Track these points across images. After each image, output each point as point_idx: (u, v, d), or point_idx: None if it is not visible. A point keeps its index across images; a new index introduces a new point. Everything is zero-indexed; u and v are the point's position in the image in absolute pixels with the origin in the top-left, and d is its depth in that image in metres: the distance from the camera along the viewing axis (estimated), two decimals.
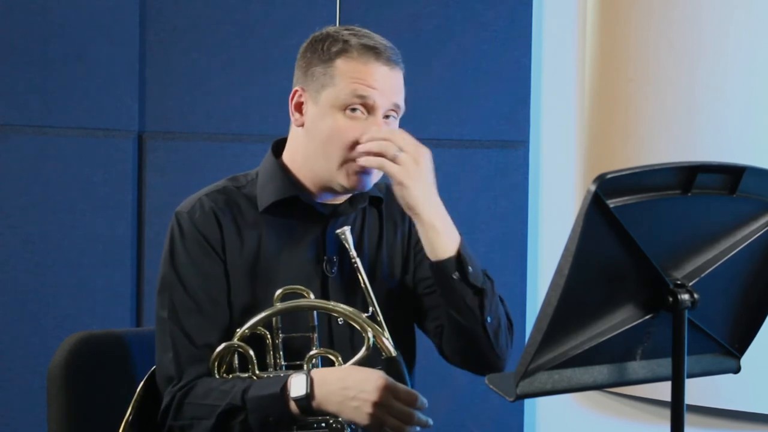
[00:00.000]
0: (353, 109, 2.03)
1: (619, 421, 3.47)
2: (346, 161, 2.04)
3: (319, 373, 1.94)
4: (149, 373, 2.08)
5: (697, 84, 3.17)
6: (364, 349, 1.98)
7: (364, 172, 2.04)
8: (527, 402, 3.47)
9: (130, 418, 2.04)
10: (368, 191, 2.14)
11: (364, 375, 1.92)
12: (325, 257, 2.09)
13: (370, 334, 1.98)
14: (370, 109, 2.04)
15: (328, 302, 2.02)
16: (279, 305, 2.00)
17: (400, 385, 1.91)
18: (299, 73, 2.12)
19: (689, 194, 1.55)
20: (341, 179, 2.05)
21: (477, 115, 3.45)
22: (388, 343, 1.98)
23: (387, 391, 1.89)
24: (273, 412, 1.93)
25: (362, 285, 2.02)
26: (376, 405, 1.89)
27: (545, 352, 1.55)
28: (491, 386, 1.62)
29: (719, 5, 3.15)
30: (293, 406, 1.92)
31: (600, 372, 1.62)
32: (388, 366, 1.99)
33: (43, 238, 3.33)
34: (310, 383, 1.91)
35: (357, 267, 2.02)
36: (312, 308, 2.01)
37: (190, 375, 2.01)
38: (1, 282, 3.32)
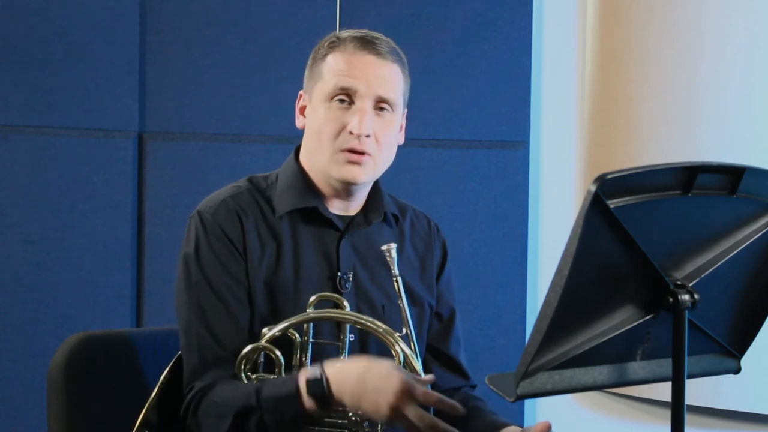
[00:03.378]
0: (340, 100, 2.04)
1: (619, 422, 3.47)
2: (335, 152, 2.04)
3: (335, 372, 1.88)
4: (175, 358, 2.07)
5: (698, 84, 3.17)
6: None
7: (353, 162, 2.04)
8: (527, 402, 3.47)
9: (154, 400, 2.03)
10: (384, 206, 2.15)
11: (382, 373, 1.86)
12: (339, 273, 2.09)
13: (401, 355, 1.95)
14: (353, 96, 2.04)
15: (362, 316, 2.00)
16: (311, 313, 1.98)
17: (419, 386, 1.85)
18: (305, 78, 2.14)
19: (689, 194, 1.55)
20: (333, 171, 2.05)
21: (477, 115, 3.45)
22: (417, 366, 1.96)
23: (406, 393, 1.84)
24: (288, 411, 1.90)
25: (399, 304, 2.00)
26: (394, 407, 1.84)
27: (545, 352, 1.55)
28: (491, 386, 1.62)
29: (719, 5, 3.15)
30: (309, 404, 1.88)
31: (600, 372, 1.62)
32: None
33: (43, 238, 3.33)
34: (327, 383, 1.88)
35: (398, 286, 2.00)
36: (346, 321, 1.99)
37: (212, 377, 2.00)
38: (1, 282, 3.32)
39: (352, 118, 2.03)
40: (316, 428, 1.95)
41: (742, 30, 3.12)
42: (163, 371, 2.07)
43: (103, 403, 2.17)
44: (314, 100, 2.08)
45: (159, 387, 2.05)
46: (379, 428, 1.95)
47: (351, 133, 2.03)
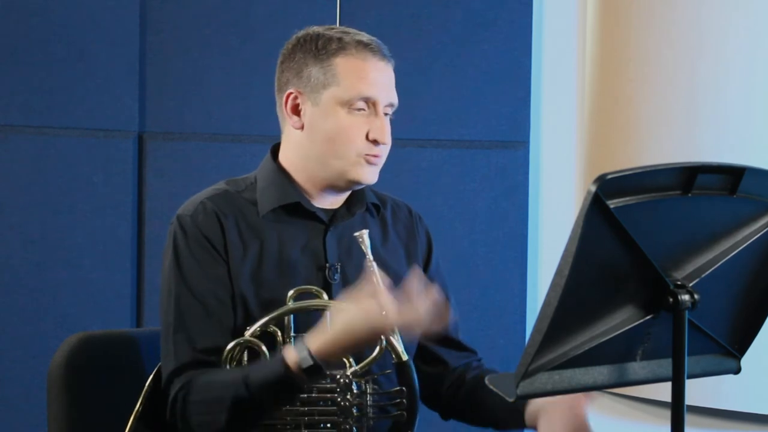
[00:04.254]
0: (359, 108, 2.06)
1: (619, 422, 3.47)
2: (357, 156, 2.07)
3: (320, 347, 1.90)
4: (157, 367, 2.08)
5: (697, 84, 3.17)
6: (376, 351, 1.97)
7: (374, 164, 2.08)
8: None
9: (140, 409, 2.04)
10: (366, 198, 2.17)
11: (363, 331, 1.90)
12: (327, 264, 2.09)
13: (383, 340, 1.97)
14: (371, 104, 2.07)
15: (341, 303, 2.01)
16: (291, 305, 2.01)
17: (393, 321, 1.89)
18: (289, 75, 2.12)
19: (689, 195, 1.55)
20: (353, 174, 2.07)
21: (477, 115, 3.45)
22: (399, 347, 1.99)
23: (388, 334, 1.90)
24: (283, 391, 1.92)
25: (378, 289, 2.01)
26: (386, 333, 1.92)
27: (545, 352, 1.55)
28: (491, 386, 1.62)
29: (719, 5, 3.15)
30: (302, 377, 1.90)
31: (600, 373, 1.62)
32: (400, 371, 2.00)
33: (43, 238, 3.33)
34: (317, 360, 1.89)
35: (373, 271, 2.00)
36: (325, 308, 2.01)
37: (189, 377, 2.00)
38: (1, 282, 3.32)
39: (373, 126, 2.07)
40: (314, 417, 1.96)
41: (742, 30, 3.12)
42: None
43: (103, 403, 2.17)
44: (324, 104, 2.08)
45: (143, 398, 2.05)
46: (367, 412, 1.97)
47: (375, 141, 2.06)
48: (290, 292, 2.02)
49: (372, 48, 2.09)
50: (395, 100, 2.11)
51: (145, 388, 2.05)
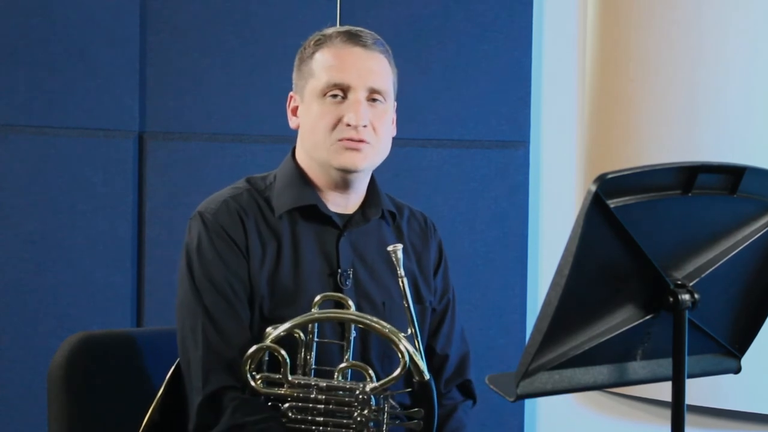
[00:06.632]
0: (333, 95, 2.07)
1: (619, 421, 3.47)
2: (333, 143, 2.06)
3: None
4: (177, 361, 2.08)
5: (698, 84, 3.17)
6: (399, 369, 1.95)
7: (352, 148, 2.06)
8: (527, 402, 3.47)
9: (160, 401, 2.05)
10: (382, 203, 2.16)
11: None
12: (339, 270, 2.09)
13: (407, 356, 1.95)
14: (346, 90, 2.07)
15: (366, 316, 2.00)
16: (316, 313, 1.99)
17: None
18: (294, 79, 2.17)
19: (690, 194, 1.55)
20: (333, 161, 2.07)
21: (477, 115, 3.45)
22: (423, 366, 1.97)
23: None
24: None
25: (405, 305, 2.00)
26: None
27: (546, 352, 1.55)
28: (492, 386, 1.62)
29: (719, 5, 3.15)
30: None
31: (600, 372, 1.62)
32: (421, 390, 1.98)
33: (43, 238, 3.33)
34: None
35: (403, 286, 2.00)
36: (351, 321, 2.00)
37: (218, 383, 1.99)
38: (1, 282, 3.32)
39: (347, 111, 2.06)
40: (328, 429, 1.96)
41: (742, 30, 3.12)
42: (164, 371, 2.08)
43: (103, 403, 2.17)
44: (307, 99, 2.10)
45: (164, 388, 2.05)
46: (384, 428, 1.96)
47: (348, 125, 2.05)
48: (316, 298, 2.01)
49: (350, 34, 2.10)
50: (377, 84, 2.08)
51: (166, 379, 2.06)
